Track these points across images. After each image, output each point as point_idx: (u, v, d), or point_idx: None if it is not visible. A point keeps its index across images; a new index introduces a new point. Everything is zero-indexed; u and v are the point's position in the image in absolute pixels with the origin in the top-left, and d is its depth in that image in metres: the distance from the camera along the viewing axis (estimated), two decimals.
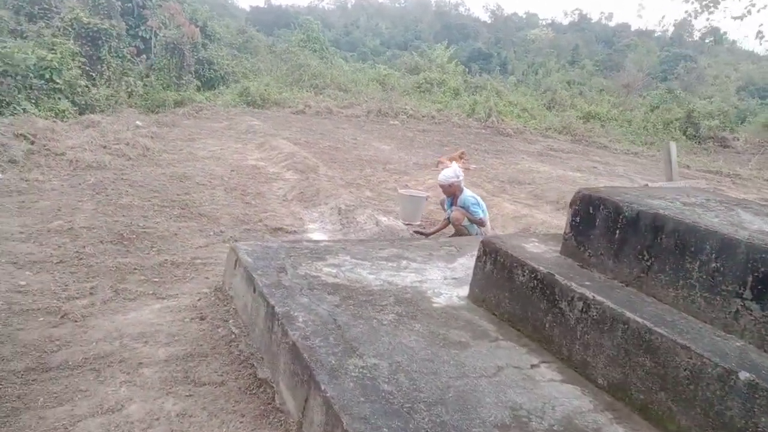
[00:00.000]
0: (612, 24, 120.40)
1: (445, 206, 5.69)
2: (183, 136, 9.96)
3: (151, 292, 3.60)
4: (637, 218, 2.51)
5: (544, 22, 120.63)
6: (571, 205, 2.89)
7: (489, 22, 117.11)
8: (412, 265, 3.66)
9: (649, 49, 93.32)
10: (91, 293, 3.43)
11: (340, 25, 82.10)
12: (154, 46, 16.80)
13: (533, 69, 62.55)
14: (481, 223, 5.33)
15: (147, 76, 15.40)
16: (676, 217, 2.39)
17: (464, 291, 3.26)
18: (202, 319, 3.25)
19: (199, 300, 3.50)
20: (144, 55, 16.56)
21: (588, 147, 16.58)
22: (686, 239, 2.31)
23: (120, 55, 14.35)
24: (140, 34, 16.74)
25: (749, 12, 5.18)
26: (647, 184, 6.70)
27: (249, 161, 8.43)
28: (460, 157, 10.11)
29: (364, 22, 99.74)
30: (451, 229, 5.52)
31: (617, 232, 2.61)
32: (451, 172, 5.46)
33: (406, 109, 17.56)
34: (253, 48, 31.25)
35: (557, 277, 2.61)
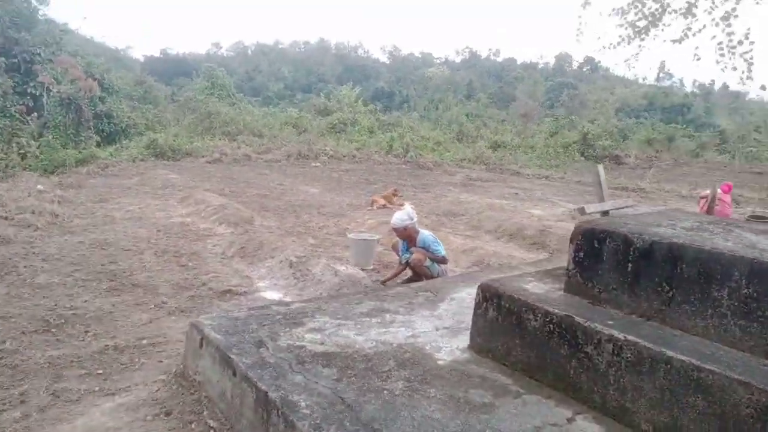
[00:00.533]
0: (500, 59, 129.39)
1: (400, 250, 5.47)
2: (93, 197, 9.07)
3: (96, 388, 3.02)
4: (651, 249, 2.42)
5: (438, 61, 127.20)
6: (571, 240, 2.76)
7: (388, 62, 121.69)
8: (398, 318, 3.38)
9: (536, 80, 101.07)
10: (22, 401, 2.81)
11: (241, 71, 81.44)
12: (47, 103, 15.51)
13: (434, 104, 65.34)
14: (443, 261, 5.17)
15: (41, 135, 14.11)
16: (694, 244, 2.32)
17: (462, 341, 3.03)
18: (167, 414, 2.75)
19: (157, 391, 2.98)
20: (35, 113, 15.21)
21: (503, 174, 17.23)
22: (710, 266, 2.23)
23: (7, 115, 13.05)
24: (29, 90, 15.42)
25: (686, 36, 5.62)
26: (583, 207, 6.90)
27: (175, 218, 7.78)
28: (394, 195, 10.04)
29: (266, 67, 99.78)
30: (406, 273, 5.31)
31: (629, 264, 2.50)
32: (405, 214, 5.27)
33: (326, 150, 17.43)
34: (153, 98, 30.01)
35: (577, 318, 2.45)
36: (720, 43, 5.11)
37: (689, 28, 5.29)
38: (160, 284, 4.90)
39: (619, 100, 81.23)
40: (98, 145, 15.60)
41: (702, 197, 10.42)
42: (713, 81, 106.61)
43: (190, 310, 4.34)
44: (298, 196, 10.43)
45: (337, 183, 12.73)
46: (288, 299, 4.65)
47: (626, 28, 5.39)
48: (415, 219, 5.31)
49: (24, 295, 4.33)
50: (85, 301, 4.33)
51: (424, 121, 34.87)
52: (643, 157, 26.83)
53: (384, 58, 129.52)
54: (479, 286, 2.94)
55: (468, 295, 3.82)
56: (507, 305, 2.76)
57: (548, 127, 27.85)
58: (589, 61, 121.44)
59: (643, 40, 5.44)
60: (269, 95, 78.50)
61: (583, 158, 23.92)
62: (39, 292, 4.42)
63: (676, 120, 56.27)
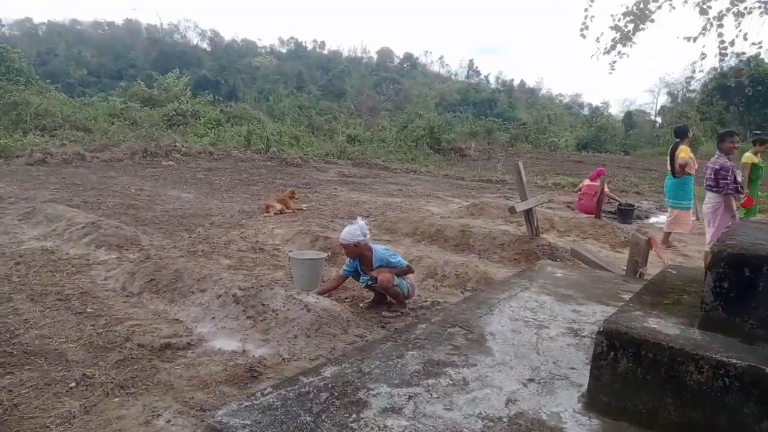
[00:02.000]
0: (325, 51, 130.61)
1: (344, 268, 4.74)
2: None
3: None
4: None
5: (263, 50, 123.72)
6: (710, 268, 2.36)
7: (209, 49, 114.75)
8: (466, 374, 2.69)
9: (363, 74, 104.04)
10: None
11: (31, 53, 69.71)
12: None
13: (264, 95, 63.36)
14: (410, 270, 4.58)
15: None
16: None
17: (568, 400, 2.47)
18: None
19: None
20: None
21: (371, 170, 17.00)
22: None
23: None
24: None
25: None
26: (513, 207, 6.80)
27: (28, 243, 5.90)
28: (291, 197, 9.04)
29: (64, 49, 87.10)
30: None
31: None
32: (357, 229, 4.54)
33: (176, 146, 15.34)
34: None
35: None
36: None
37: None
38: (64, 347, 3.49)
39: (438, 95, 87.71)
40: None
41: (578, 190, 11.23)
42: (512, 79, 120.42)
43: (132, 383, 3.10)
44: (172, 204, 8.83)
45: (210, 186, 11.17)
46: (254, 348, 3.63)
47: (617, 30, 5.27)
48: (368, 234, 4.60)
49: None
50: None
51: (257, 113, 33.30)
52: (480, 149, 28.92)
53: (204, 45, 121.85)
54: (604, 332, 2.39)
55: (502, 326, 3.29)
56: (650, 355, 2.26)
57: (399, 121, 28.43)
58: (408, 57, 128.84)
59: (624, 46, 5.39)
60: (70, 82, 68.39)
61: (432, 151, 24.86)
62: None
63: (486, 113, 62.44)
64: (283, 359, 3.50)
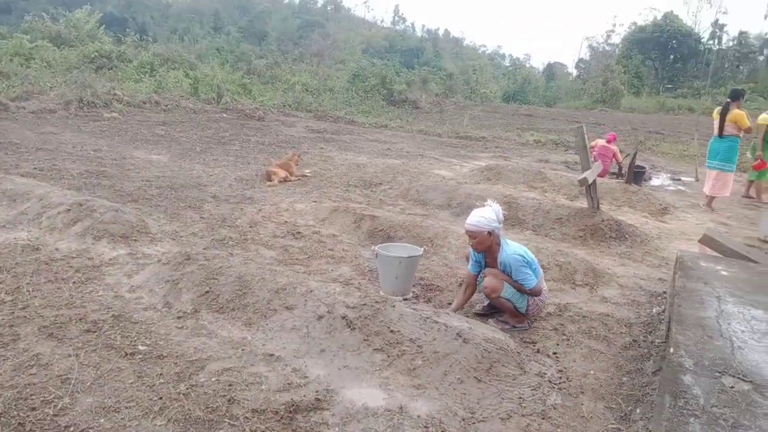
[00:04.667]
0: None
1: (470, 263, 3.74)
2: None
3: None
4: None
5: None
6: None
7: None
8: None
9: (286, 16, 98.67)
10: None
11: None
12: None
13: (178, 36, 58.34)
14: (536, 293, 3.55)
15: None
16: None
17: None
18: None
19: None
20: None
21: (338, 124, 15.59)
22: None
23: None
24: None
25: None
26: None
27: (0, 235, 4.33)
28: (295, 162, 7.73)
29: None
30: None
31: None
32: (491, 213, 3.54)
33: (116, 95, 13.08)
34: None
35: None
36: None
37: None
38: (148, 427, 2.28)
39: (364, 40, 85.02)
40: None
41: (592, 148, 10.63)
42: (438, 27, 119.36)
43: None
44: (149, 170, 7.23)
45: (178, 145, 9.45)
46: (409, 401, 2.61)
47: None
48: (501, 222, 3.61)
49: None
50: None
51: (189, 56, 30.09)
52: (430, 101, 27.91)
53: None
54: None
55: None
56: None
57: (350, 69, 26.67)
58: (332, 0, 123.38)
59: None
60: None
61: (385, 103, 23.53)
62: None
63: (412, 62, 61.26)
64: (463, 420, 2.51)
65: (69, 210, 4.62)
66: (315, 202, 6.27)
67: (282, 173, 7.32)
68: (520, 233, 5.97)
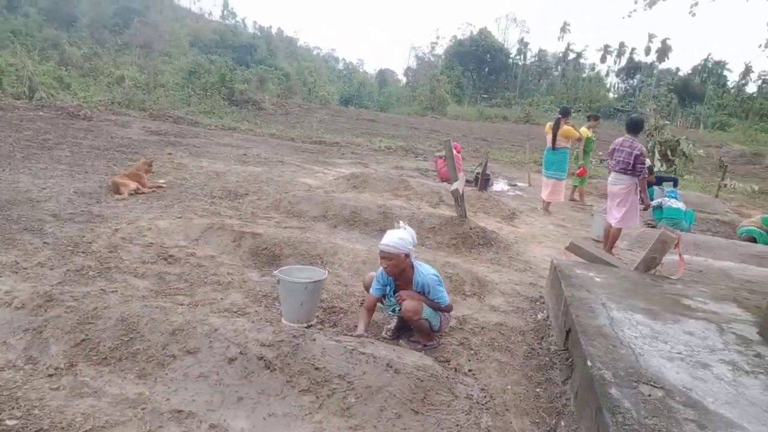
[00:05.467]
0: None
1: (374, 285, 3.68)
2: None
3: None
4: None
5: None
6: None
7: None
8: None
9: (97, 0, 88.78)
10: None
11: None
12: None
13: None
14: (448, 309, 3.64)
15: None
16: None
17: None
18: None
19: None
20: None
21: (179, 125, 14.34)
22: None
23: None
24: None
25: None
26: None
27: None
28: (146, 171, 6.91)
29: None
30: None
31: None
32: (407, 236, 3.52)
33: None
34: None
35: None
36: None
37: None
38: None
39: (192, 33, 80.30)
40: None
41: (438, 157, 11.22)
42: (271, 25, 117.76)
43: None
44: None
45: None
46: None
47: None
48: (415, 245, 3.62)
49: None
50: None
51: None
52: (274, 103, 27.21)
53: None
54: None
55: (678, 374, 2.72)
56: None
57: (184, 64, 24.73)
58: None
59: None
60: None
61: (226, 103, 22.35)
62: None
63: (246, 60, 59.69)
64: None
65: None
66: (180, 218, 5.65)
67: (132, 184, 6.47)
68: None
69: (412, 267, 3.54)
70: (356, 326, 3.60)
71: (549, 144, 8.65)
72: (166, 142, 10.87)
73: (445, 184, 9.94)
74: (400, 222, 3.66)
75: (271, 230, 5.33)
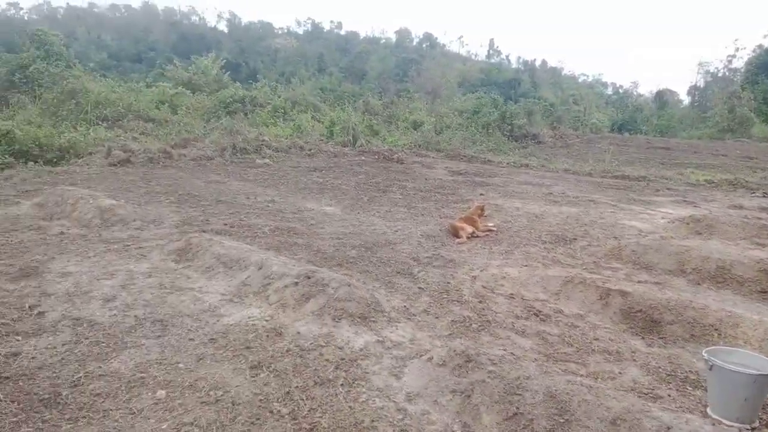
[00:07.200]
0: (343, 32, 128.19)
1: None
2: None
3: None
4: None
5: (280, 31, 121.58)
6: None
7: (227, 31, 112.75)
8: None
9: (384, 56, 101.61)
10: None
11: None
12: None
13: (285, 78, 61.39)
14: None
15: None
16: None
17: None
18: None
19: None
20: None
21: (476, 164, 14.84)
22: None
23: None
24: None
25: None
26: None
27: (232, 314, 3.95)
28: (480, 215, 7.05)
29: (84, 33, 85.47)
30: None
31: None
32: None
33: (264, 140, 13.31)
34: None
35: None
36: None
37: None
38: None
39: (459, 75, 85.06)
40: None
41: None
42: (535, 58, 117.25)
43: None
44: (329, 224, 6.84)
45: (342, 193, 9.14)
46: None
47: None
48: None
49: None
50: None
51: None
52: (552, 135, 26.57)
53: (222, 27, 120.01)
54: None
55: None
56: None
57: (469, 105, 26.18)
58: (428, 37, 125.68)
59: None
60: (91, 66, 66.41)
61: (505, 138, 22.59)
62: None
63: (510, 94, 59.78)
64: None
65: (296, 283, 4.18)
66: (526, 266, 5.49)
67: (469, 228, 6.65)
68: None
69: None
70: None
71: None
72: (471, 182, 11.24)
73: None
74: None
75: (641, 288, 4.72)
